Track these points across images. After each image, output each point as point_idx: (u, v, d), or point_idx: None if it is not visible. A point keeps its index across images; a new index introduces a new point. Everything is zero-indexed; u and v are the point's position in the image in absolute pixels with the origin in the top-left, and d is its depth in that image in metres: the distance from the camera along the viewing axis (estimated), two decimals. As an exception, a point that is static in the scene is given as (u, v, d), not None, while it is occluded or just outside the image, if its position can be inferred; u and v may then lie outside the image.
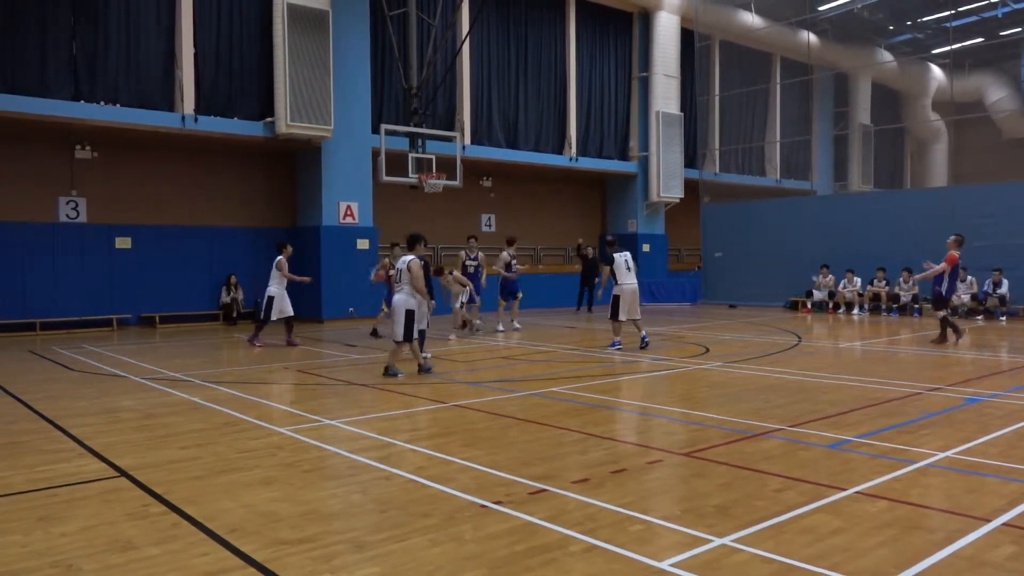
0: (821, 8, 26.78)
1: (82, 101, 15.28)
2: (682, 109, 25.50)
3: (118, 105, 15.65)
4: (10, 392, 8.94)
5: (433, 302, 11.07)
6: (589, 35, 24.02)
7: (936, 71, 31.87)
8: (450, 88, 20.78)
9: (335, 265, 18.15)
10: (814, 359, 11.30)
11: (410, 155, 17.58)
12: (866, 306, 19.65)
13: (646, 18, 25.08)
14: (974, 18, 27.39)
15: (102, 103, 15.52)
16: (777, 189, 29.02)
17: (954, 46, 26.10)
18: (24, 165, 16.25)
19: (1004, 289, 17.49)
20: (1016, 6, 26.58)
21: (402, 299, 9.77)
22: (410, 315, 9.73)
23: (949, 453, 5.77)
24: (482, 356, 12.10)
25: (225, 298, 18.25)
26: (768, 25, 26.79)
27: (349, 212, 18.49)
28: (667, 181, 24.86)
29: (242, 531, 4.26)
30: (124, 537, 4.20)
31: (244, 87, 17.36)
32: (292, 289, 13.57)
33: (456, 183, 18.24)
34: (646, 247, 25.07)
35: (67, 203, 16.72)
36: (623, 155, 25.22)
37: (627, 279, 12.43)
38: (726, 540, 4.04)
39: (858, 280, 19.71)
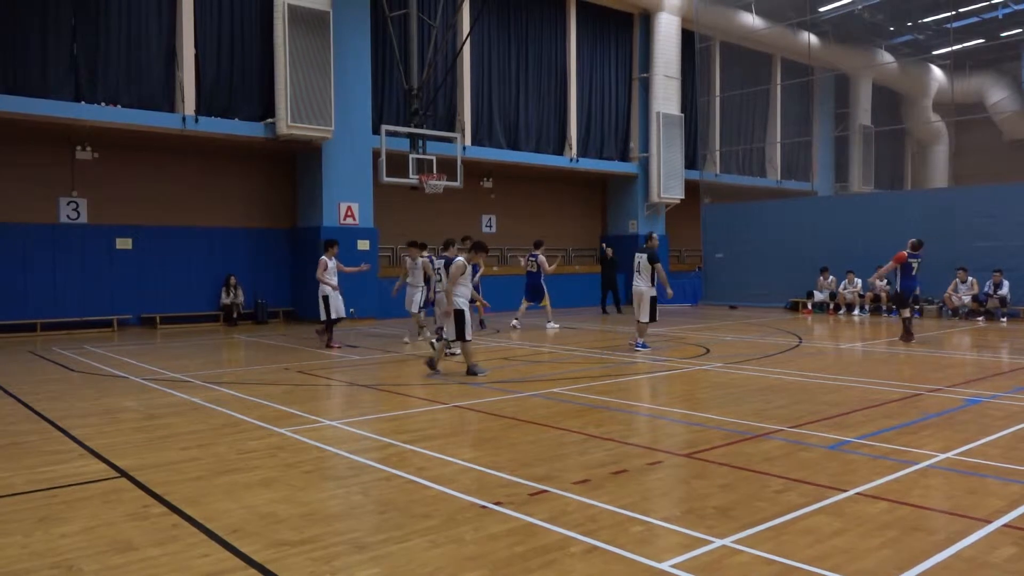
0: (822, 9, 26.76)
1: (83, 102, 15.29)
2: (683, 110, 25.49)
3: (119, 106, 15.66)
4: (11, 393, 8.95)
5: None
6: (590, 36, 24.01)
7: (937, 72, 31.85)
8: (451, 89, 20.78)
9: (335, 266, 18.13)
10: (815, 360, 11.29)
11: (411, 156, 17.56)
12: (867, 307, 19.66)
13: (647, 19, 25.07)
14: (975, 19, 27.40)
15: (103, 104, 15.53)
16: (778, 190, 29.02)
17: (955, 47, 26.13)
18: (25, 166, 16.26)
19: (1005, 290, 17.46)
20: (1017, 7, 26.57)
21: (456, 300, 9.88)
22: (459, 315, 9.79)
23: (950, 454, 5.77)
24: (482, 357, 12.09)
25: (225, 299, 18.25)
26: (769, 26, 26.77)
27: (350, 213, 18.48)
28: (668, 182, 24.84)
29: (243, 532, 4.26)
30: (125, 538, 4.20)
31: (245, 88, 17.37)
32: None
33: (457, 184, 18.23)
34: (647, 248, 25.02)
35: (68, 204, 16.73)
36: (624, 156, 25.21)
37: (635, 281, 12.52)
38: (727, 541, 4.04)
39: (859, 281, 19.68)
